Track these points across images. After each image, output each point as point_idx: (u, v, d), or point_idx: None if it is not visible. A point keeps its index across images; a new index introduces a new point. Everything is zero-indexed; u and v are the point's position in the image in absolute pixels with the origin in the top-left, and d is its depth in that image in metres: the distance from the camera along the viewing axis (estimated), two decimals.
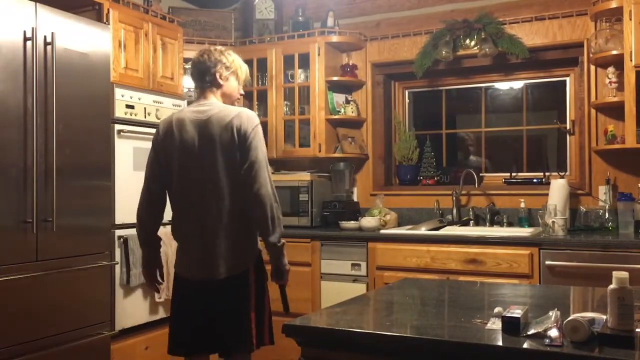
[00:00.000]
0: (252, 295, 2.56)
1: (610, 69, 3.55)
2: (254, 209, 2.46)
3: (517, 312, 1.44)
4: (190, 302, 2.54)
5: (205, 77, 2.63)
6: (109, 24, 3.29)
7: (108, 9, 3.33)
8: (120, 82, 3.38)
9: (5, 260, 2.58)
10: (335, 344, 1.56)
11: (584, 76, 3.77)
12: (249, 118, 2.52)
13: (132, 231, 3.34)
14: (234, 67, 2.70)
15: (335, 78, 4.30)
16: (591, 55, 3.66)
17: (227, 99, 2.71)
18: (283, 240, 2.52)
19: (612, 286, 1.36)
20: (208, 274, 2.49)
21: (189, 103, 4.06)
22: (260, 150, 2.49)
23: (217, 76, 2.63)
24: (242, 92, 2.83)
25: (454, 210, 4.03)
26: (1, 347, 2.54)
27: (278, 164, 4.58)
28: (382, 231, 3.78)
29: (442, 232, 3.69)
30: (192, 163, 2.52)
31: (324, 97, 4.26)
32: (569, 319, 1.34)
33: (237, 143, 2.47)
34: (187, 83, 4.39)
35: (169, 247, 3.56)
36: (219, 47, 2.74)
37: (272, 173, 4.54)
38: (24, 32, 2.68)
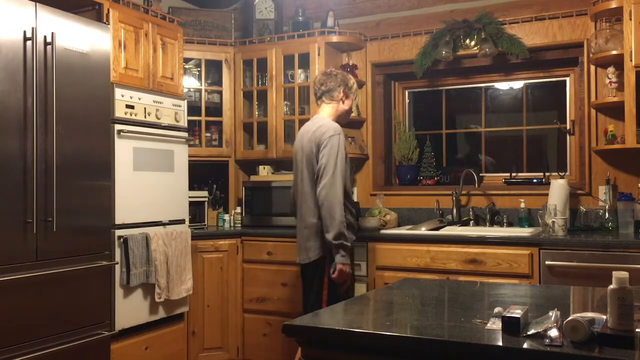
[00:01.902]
0: (314, 285, 3.00)
1: (610, 69, 3.55)
2: (320, 209, 2.90)
3: (517, 312, 1.44)
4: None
5: (325, 95, 3.14)
6: (109, 24, 3.29)
7: (108, 9, 3.33)
8: (120, 82, 3.38)
9: (5, 260, 2.58)
10: (335, 344, 1.56)
11: (584, 76, 3.77)
12: (326, 130, 2.96)
13: (132, 231, 3.35)
14: (353, 90, 3.19)
15: None
16: (591, 55, 3.66)
17: (340, 117, 3.17)
18: (341, 241, 2.87)
19: (612, 286, 1.36)
20: (299, 260, 3.10)
21: (189, 103, 4.07)
22: (330, 157, 2.89)
23: (339, 96, 3.12)
24: (352, 112, 3.35)
25: (454, 210, 4.03)
26: (1, 347, 2.53)
27: (278, 164, 4.58)
28: (382, 231, 3.78)
29: (442, 232, 3.69)
30: (295, 170, 3.14)
31: None
32: (569, 319, 1.34)
33: (314, 152, 2.97)
34: (187, 83, 4.40)
35: (169, 248, 3.57)
36: (340, 71, 3.21)
37: (272, 173, 4.58)
38: (24, 32, 2.68)
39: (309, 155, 3.00)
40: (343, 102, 3.15)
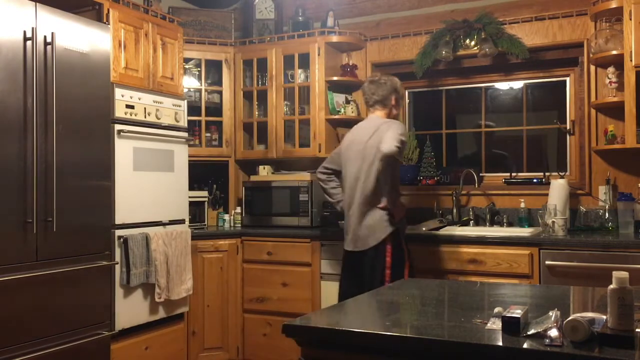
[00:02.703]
0: (376, 268, 3.14)
1: (610, 69, 3.55)
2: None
3: (517, 312, 1.44)
4: None
5: (378, 104, 3.33)
6: (109, 24, 3.29)
7: (108, 9, 3.33)
8: (120, 82, 3.38)
9: (5, 260, 2.58)
10: (335, 344, 1.56)
11: (584, 76, 3.77)
12: (392, 121, 3.20)
13: (132, 231, 3.35)
14: (401, 94, 3.44)
15: (335, 78, 4.30)
16: (591, 55, 3.66)
17: (389, 116, 3.33)
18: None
19: (612, 286, 1.36)
20: (353, 248, 3.28)
21: (189, 103, 4.06)
22: (396, 130, 3.07)
23: (391, 104, 3.32)
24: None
25: (454, 210, 4.03)
26: (1, 347, 2.53)
27: (278, 164, 4.58)
28: None
29: (442, 232, 3.69)
30: (353, 166, 3.29)
31: (324, 97, 4.26)
32: (569, 319, 1.34)
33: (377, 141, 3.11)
34: (187, 83, 4.40)
35: (169, 248, 3.57)
36: (388, 77, 3.37)
37: (272, 173, 4.58)
38: (24, 32, 2.68)
39: (375, 145, 3.10)
40: (395, 109, 3.37)
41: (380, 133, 3.14)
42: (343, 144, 3.42)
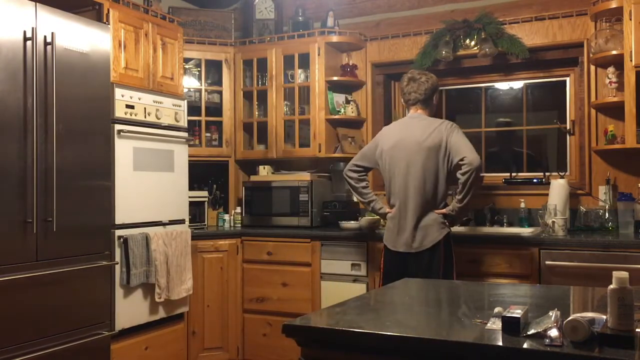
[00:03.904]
0: (432, 268, 3.11)
1: (610, 69, 3.55)
2: (463, 177, 3.09)
3: (517, 312, 1.44)
4: None
5: (420, 103, 3.26)
6: (109, 24, 3.29)
7: (108, 9, 3.33)
8: (120, 82, 3.38)
9: (5, 260, 2.58)
10: (335, 344, 1.56)
11: (584, 76, 3.77)
12: (447, 123, 3.18)
13: (132, 231, 3.35)
14: (439, 90, 3.42)
15: (335, 78, 4.30)
16: (591, 55, 3.66)
17: (431, 115, 3.31)
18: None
19: (612, 286, 1.36)
20: (407, 250, 3.19)
21: (189, 103, 4.06)
22: (463, 138, 3.12)
23: (433, 103, 3.29)
24: None
25: None
26: (1, 347, 2.54)
27: (278, 164, 4.58)
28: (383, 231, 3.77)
29: None
30: (402, 167, 3.20)
31: (324, 97, 4.26)
32: (569, 319, 1.34)
33: (443, 144, 3.12)
34: (187, 83, 4.40)
35: (169, 248, 3.57)
36: (426, 75, 3.30)
37: (272, 173, 4.57)
38: (24, 32, 2.68)
39: (437, 146, 3.09)
40: (435, 106, 3.35)
41: (440, 134, 3.10)
42: (384, 142, 3.25)
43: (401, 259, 3.12)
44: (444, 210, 3.12)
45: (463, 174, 3.00)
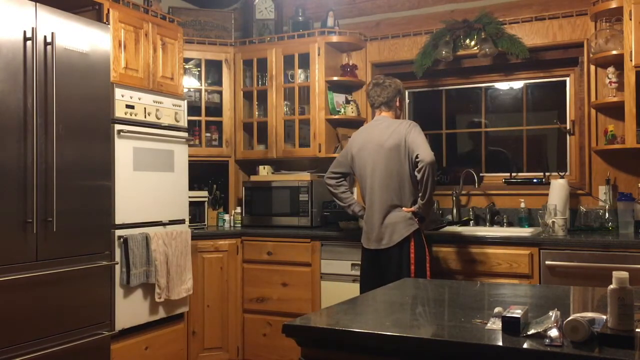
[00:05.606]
0: (402, 264, 3.21)
1: (610, 69, 3.55)
2: (419, 174, 3.21)
3: (517, 312, 1.44)
4: None
5: (384, 106, 3.40)
6: (109, 24, 3.29)
7: (108, 9, 3.33)
8: (120, 82, 3.38)
9: (5, 260, 2.58)
10: (335, 344, 1.56)
11: (584, 76, 3.77)
12: (406, 122, 3.29)
13: (132, 231, 3.35)
14: (403, 94, 3.57)
15: (335, 78, 4.30)
16: (591, 55, 3.66)
17: (395, 117, 3.44)
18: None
19: (612, 286, 1.36)
20: (377, 246, 3.30)
21: (189, 103, 4.06)
22: (420, 135, 3.23)
23: (395, 105, 3.41)
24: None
25: (454, 210, 4.03)
26: (1, 347, 2.54)
27: (278, 164, 4.59)
28: None
29: (442, 232, 3.69)
30: (369, 167, 3.32)
31: (324, 97, 4.26)
32: (569, 319, 1.34)
33: (403, 143, 3.22)
34: (187, 83, 4.40)
35: (169, 248, 3.57)
36: (391, 80, 3.44)
37: (272, 173, 4.58)
38: (24, 32, 2.68)
39: (397, 146, 3.20)
40: (399, 110, 3.48)
41: (399, 134, 3.22)
42: (353, 146, 3.40)
43: (374, 255, 3.26)
44: (411, 208, 3.20)
45: (418, 171, 3.13)
